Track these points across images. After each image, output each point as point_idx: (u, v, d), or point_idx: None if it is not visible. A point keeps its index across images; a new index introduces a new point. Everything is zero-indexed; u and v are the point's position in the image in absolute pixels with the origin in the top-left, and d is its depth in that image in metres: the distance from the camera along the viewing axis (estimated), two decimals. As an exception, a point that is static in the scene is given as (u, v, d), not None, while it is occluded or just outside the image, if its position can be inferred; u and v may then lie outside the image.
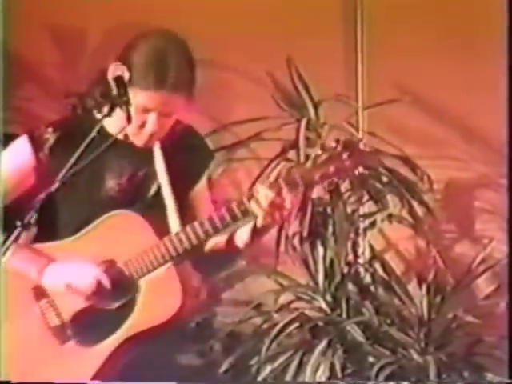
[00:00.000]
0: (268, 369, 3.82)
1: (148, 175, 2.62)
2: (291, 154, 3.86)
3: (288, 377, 3.79)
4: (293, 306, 3.91)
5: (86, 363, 2.50)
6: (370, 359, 3.85)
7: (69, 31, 4.30)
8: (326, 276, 3.90)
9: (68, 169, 2.44)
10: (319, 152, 2.48)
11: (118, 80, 2.56)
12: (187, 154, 2.65)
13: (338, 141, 2.49)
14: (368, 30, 4.14)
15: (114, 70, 2.58)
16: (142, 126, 2.57)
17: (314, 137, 3.90)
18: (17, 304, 2.55)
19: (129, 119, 2.57)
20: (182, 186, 2.63)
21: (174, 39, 2.59)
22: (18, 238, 2.35)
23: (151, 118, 2.55)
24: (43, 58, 4.32)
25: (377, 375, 3.74)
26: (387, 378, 3.73)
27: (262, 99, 3.95)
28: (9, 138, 4.16)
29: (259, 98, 3.98)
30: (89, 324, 2.53)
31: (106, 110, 2.55)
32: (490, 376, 3.73)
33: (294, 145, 3.83)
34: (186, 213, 2.61)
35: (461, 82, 3.98)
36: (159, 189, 2.61)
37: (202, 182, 2.69)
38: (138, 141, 2.60)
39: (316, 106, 3.93)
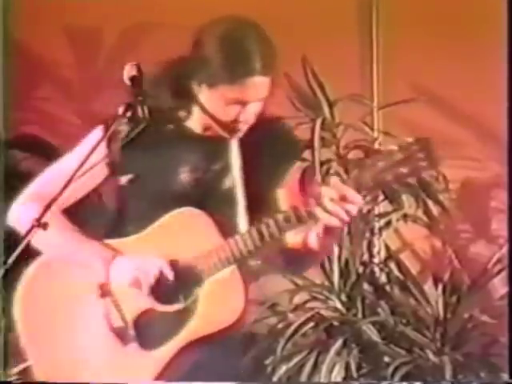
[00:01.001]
0: (283, 369, 3.82)
1: (223, 169, 2.54)
2: (306, 154, 3.86)
3: (303, 377, 3.79)
4: (308, 305, 3.91)
5: (148, 366, 2.44)
6: (386, 359, 3.84)
7: (84, 31, 4.31)
8: (341, 276, 3.90)
9: (117, 159, 2.43)
10: (395, 148, 2.31)
11: (134, 80, 2.56)
12: (272, 148, 2.54)
13: (415, 139, 2.33)
14: (383, 29, 4.13)
15: (130, 70, 2.57)
16: (236, 119, 2.47)
17: (329, 137, 3.90)
18: (81, 303, 2.52)
19: (144, 119, 2.56)
20: (264, 182, 2.52)
21: (245, 22, 2.51)
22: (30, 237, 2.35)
23: (249, 109, 2.47)
24: (59, 58, 4.34)
25: (392, 375, 3.74)
26: (403, 378, 3.72)
27: (277, 99, 3.94)
28: (26, 138, 4.20)
29: (274, 98, 3.97)
30: (151, 326, 2.46)
31: (120, 110, 2.54)
32: (505, 376, 3.72)
33: (309, 145, 3.83)
34: (266, 210, 2.48)
35: (476, 82, 3.97)
36: (233, 184, 2.52)
37: (289, 179, 2.55)
38: (231, 133, 2.50)
39: (331, 106, 3.93)
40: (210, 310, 2.43)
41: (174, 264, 2.47)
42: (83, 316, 2.52)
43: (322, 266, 3.90)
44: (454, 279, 3.87)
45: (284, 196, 2.54)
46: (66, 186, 2.42)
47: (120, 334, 2.49)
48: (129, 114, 2.53)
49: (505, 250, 3.88)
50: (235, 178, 2.52)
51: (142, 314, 2.48)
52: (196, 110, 2.53)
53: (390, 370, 3.76)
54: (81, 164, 2.46)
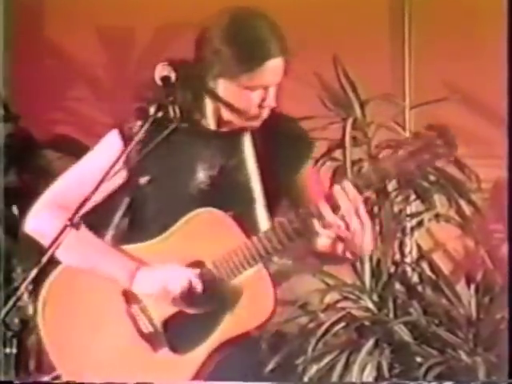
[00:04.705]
0: (314, 368, 3.81)
1: (239, 165, 2.53)
2: (337, 154, 3.86)
3: (334, 377, 3.78)
4: (339, 305, 3.90)
5: (180, 371, 2.41)
6: (418, 359, 3.83)
7: (117, 31, 4.33)
8: (372, 275, 3.89)
9: (140, 158, 2.42)
10: (408, 137, 2.37)
11: (165, 80, 2.57)
12: (284, 142, 2.53)
13: (431, 126, 2.38)
14: (415, 28, 4.12)
15: (161, 70, 2.58)
16: (261, 104, 2.47)
17: (360, 136, 3.89)
18: (107, 310, 2.49)
19: (175, 119, 2.57)
20: (281, 175, 2.51)
21: (250, 10, 2.50)
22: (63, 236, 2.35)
23: (271, 92, 2.46)
24: (92, 59, 4.36)
25: (425, 375, 3.72)
26: (435, 379, 3.70)
27: (308, 98, 3.94)
28: (59, 138, 4.24)
29: (305, 98, 3.97)
30: (181, 330, 2.44)
31: (152, 110, 2.55)
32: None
33: (340, 144, 3.83)
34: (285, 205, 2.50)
35: (508, 81, 3.93)
36: (249, 180, 2.51)
37: (305, 171, 2.54)
38: (257, 121, 2.51)
39: (362, 105, 3.92)
40: (239, 310, 2.41)
41: (199, 265, 2.45)
42: (110, 323, 2.49)
43: (354, 266, 3.89)
44: (487, 279, 3.85)
45: (304, 191, 2.52)
46: (84, 191, 2.42)
47: (150, 340, 2.46)
48: (160, 114, 2.54)
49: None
50: (251, 173, 2.51)
51: (171, 317, 2.45)
52: (210, 106, 2.52)
53: (423, 370, 3.75)
54: (98, 168, 2.47)
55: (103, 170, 2.46)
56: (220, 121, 2.54)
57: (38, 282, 2.43)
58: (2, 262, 3.98)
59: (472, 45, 4.01)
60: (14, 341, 2.45)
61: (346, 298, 3.90)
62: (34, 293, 2.53)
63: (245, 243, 2.42)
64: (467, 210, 3.84)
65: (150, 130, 2.48)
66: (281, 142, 2.54)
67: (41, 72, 4.29)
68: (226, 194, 2.51)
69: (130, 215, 2.56)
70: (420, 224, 3.93)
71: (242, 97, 2.47)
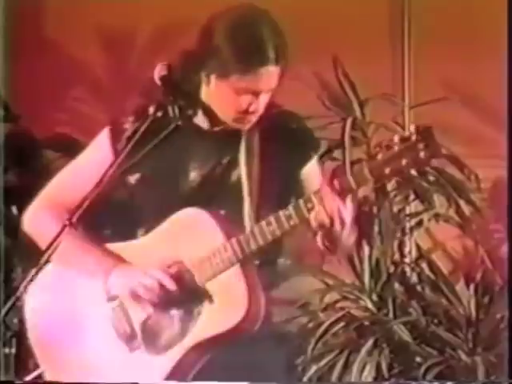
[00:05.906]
0: (313, 368, 3.82)
1: (232, 163, 2.50)
2: (337, 154, 3.86)
3: (334, 377, 3.78)
4: (338, 305, 3.91)
5: (154, 371, 2.42)
6: (418, 359, 3.83)
7: (117, 31, 4.34)
8: (371, 275, 3.89)
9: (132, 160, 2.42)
10: (396, 139, 2.27)
11: (164, 79, 2.56)
12: (288, 140, 2.51)
13: (416, 128, 2.27)
14: (415, 28, 4.12)
15: (160, 70, 2.58)
16: (247, 109, 2.45)
17: (359, 136, 3.90)
18: (90, 308, 2.52)
19: (175, 118, 2.56)
20: (278, 176, 2.49)
21: (256, 11, 2.47)
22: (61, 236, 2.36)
23: (257, 100, 2.43)
24: (92, 58, 4.36)
25: (424, 375, 3.73)
26: (435, 379, 3.71)
27: (308, 98, 3.95)
28: (59, 138, 4.24)
29: (305, 97, 3.98)
30: (157, 331, 2.46)
31: (151, 110, 2.55)
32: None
33: (340, 144, 3.83)
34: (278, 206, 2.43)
35: (508, 81, 3.94)
36: (242, 179, 2.49)
37: (309, 171, 2.52)
38: (242, 125, 2.49)
39: (362, 105, 3.92)
40: (214, 312, 2.41)
41: (178, 266, 2.45)
42: (92, 322, 2.51)
43: (353, 266, 3.89)
44: (486, 279, 3.85)
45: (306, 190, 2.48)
46: (79, 190, 2.45)
47: (127, 340, 2.49)
48: (159, 113, 2.53)
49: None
50: (242, 173, 2.49)
51: (148, 318, 2.47)
52: (203, 104, 2.50)
53: (422, 370, 3.75)
54: (90, 167, 2.49)
55: (97, 168, 2.47)
56: (212, 120, 2.51)
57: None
58: (1, 261, 3.99)
59: (472, 45, 4.01)
60: (14, 341, 2.45)
61: (345, 298, 3.91)
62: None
63: (223, 245, 2.41)
64: (466, 209, 3.84)
65: (144, 129, 2.46)
66: (284, 139, 2.51)
67: (41, 72, 4.29)
68: (218, 193, 2.49)
69: (119, 213, 2.57)
70: (419, 224, 3.94)
71: (231, 98, 2.45)
